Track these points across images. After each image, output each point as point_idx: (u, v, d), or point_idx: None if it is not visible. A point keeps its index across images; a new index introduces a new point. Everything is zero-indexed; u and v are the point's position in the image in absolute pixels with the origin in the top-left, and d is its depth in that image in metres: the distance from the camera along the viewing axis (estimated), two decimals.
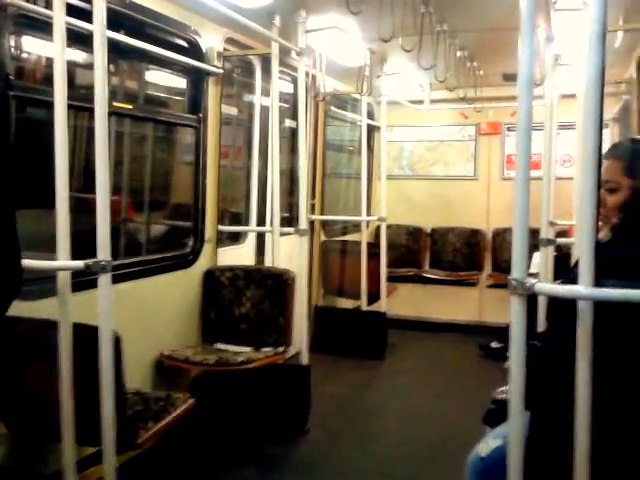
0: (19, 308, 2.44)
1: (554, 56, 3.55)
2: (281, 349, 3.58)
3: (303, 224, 3.95)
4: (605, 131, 1.84)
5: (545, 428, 1.58)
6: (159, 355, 3.39)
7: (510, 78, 5.20)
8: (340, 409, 4.22)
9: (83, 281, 2.46)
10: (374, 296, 5.50)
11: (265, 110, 4.47)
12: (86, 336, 2.20)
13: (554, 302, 1.65)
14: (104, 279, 2.15)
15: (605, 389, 1.43)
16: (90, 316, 2.19)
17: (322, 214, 5.60)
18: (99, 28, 2.11)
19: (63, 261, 2.21)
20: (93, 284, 2.21)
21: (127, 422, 2.39)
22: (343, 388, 4.64)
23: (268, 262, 4.34)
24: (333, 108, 5.81)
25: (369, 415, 4.18)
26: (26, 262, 2.34)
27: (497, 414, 2.07)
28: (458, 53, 4.36)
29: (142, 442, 2.44)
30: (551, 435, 1.56)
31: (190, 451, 3.36)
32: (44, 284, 2.52)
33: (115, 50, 3.09)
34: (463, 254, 6.55)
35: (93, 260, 2.12)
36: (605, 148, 1.62)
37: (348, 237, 6.08)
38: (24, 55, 2.94)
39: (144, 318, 3.28)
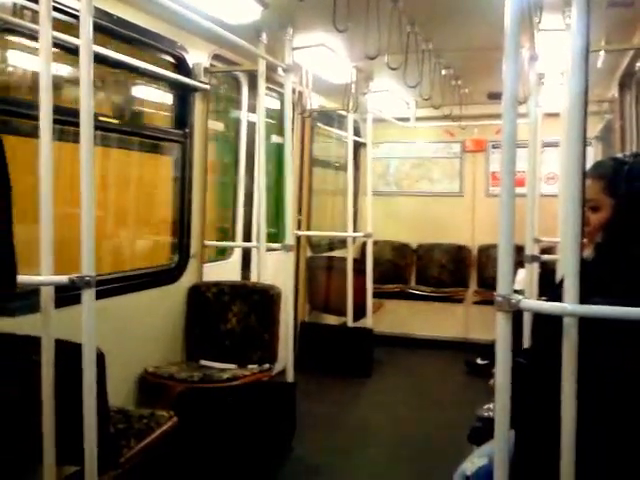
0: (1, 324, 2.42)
1: (538, 75, 3.60)
2: (267, 366, 3.56)
3: (289, 240, 3.94)
4: (588, 149, 1.86)
5: (531, 447, 1.58)
6: (143, 372, 3.35)
7: (495, 97, 5.25)
8: (326, 426, 4.19)
9: (65, 296, 2.43)
10: (360, 312, 5.49)
11: (252, 126, 4.47)
12: (69, 353, 2.16)
13: (539, 319, 1.65)
14: (88, 294, 2.12)
15: (591, 407, 1.42)
16: (72, 332, 2.16)
17: (308, 230, 5.60)
18: (85, 43, 2.11)
19: (47, 276, 2.18)
20: (76, 300, 2.19)
21: (110, 440, 2.35)
22: (329, 405, 4.61)
23: (254, 278, 4.32)
24: (320, 124, 5.84)
25: (355, 433, 4.15)
26: None
27: (482, 432, 2.07)
28: (443, 71, 4.40)
29: (125, 461, 2.40)
30: (537, 454, 1.56)
31: (174, 469, 3.31)
32: (26, 300, 2.49)
33: (102, 65, 3.09)
34: (449, 270, 6.57)
35: (77, 275, 2.09)
36: (588, 166, 1.64)
37: (334, 253, 6.08)
38: (9, 69, 2.92)
39: (128, 334, 3.25)
